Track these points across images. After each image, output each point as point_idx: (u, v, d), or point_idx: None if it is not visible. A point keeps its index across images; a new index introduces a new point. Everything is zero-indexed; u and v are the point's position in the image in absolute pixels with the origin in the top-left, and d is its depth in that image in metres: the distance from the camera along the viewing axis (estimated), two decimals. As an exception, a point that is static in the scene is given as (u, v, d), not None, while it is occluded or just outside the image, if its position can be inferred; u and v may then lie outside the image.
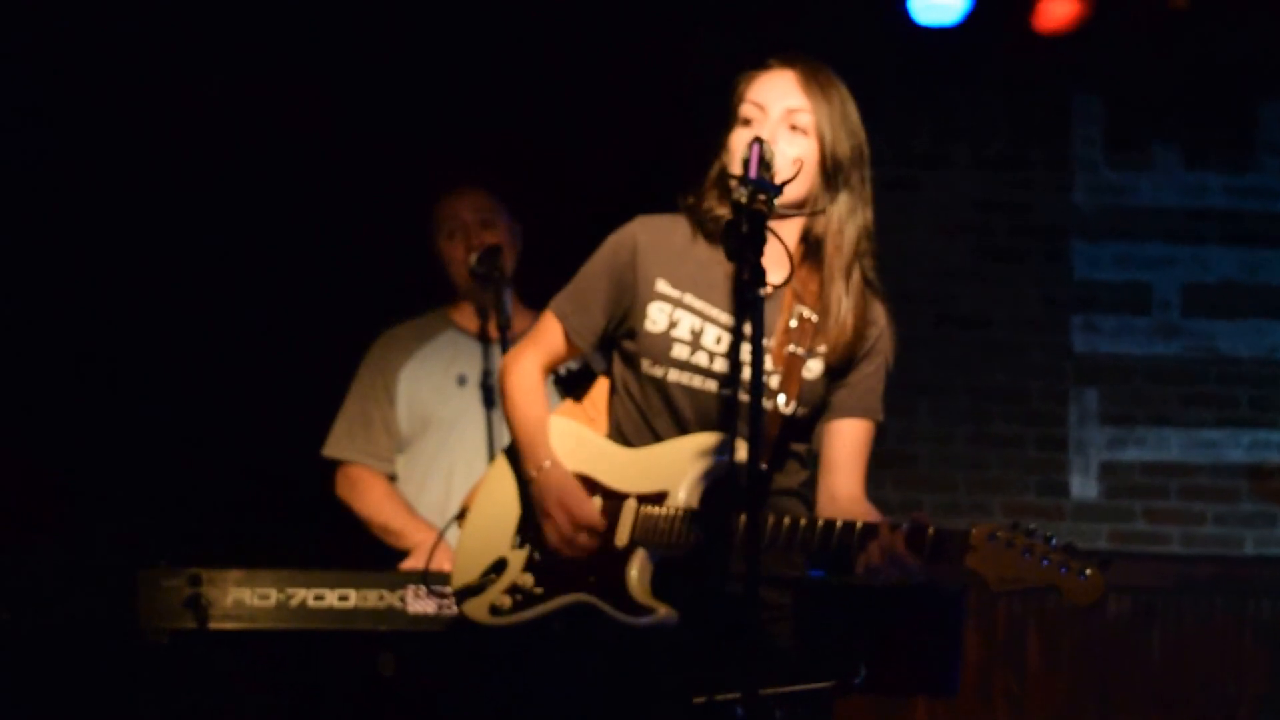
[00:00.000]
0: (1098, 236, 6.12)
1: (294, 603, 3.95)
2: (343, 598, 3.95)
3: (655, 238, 3.31)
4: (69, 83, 5.27)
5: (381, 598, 3.95)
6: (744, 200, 2.88)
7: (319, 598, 3.95)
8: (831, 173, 3.24)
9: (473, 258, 4.43)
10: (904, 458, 6.07)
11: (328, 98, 5.41)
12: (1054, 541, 2.84)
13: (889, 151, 6.06)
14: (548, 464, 3.32)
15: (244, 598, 3.94)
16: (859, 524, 3.00)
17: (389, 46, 5.49)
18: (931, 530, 2.93)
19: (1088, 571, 2.79)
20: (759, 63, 3.32)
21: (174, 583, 3.92)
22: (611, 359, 3.44)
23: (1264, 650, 5.92)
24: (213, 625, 3.92)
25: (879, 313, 3.34)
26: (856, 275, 3.28)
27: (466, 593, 3.39)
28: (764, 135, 3.12)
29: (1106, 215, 6.13)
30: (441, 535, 3.92)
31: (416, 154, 5.34)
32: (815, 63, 3.29)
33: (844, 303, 3.25)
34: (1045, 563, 2.81)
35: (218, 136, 5.35)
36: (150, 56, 5.30)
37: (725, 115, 3.31)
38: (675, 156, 3.51)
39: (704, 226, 3.30)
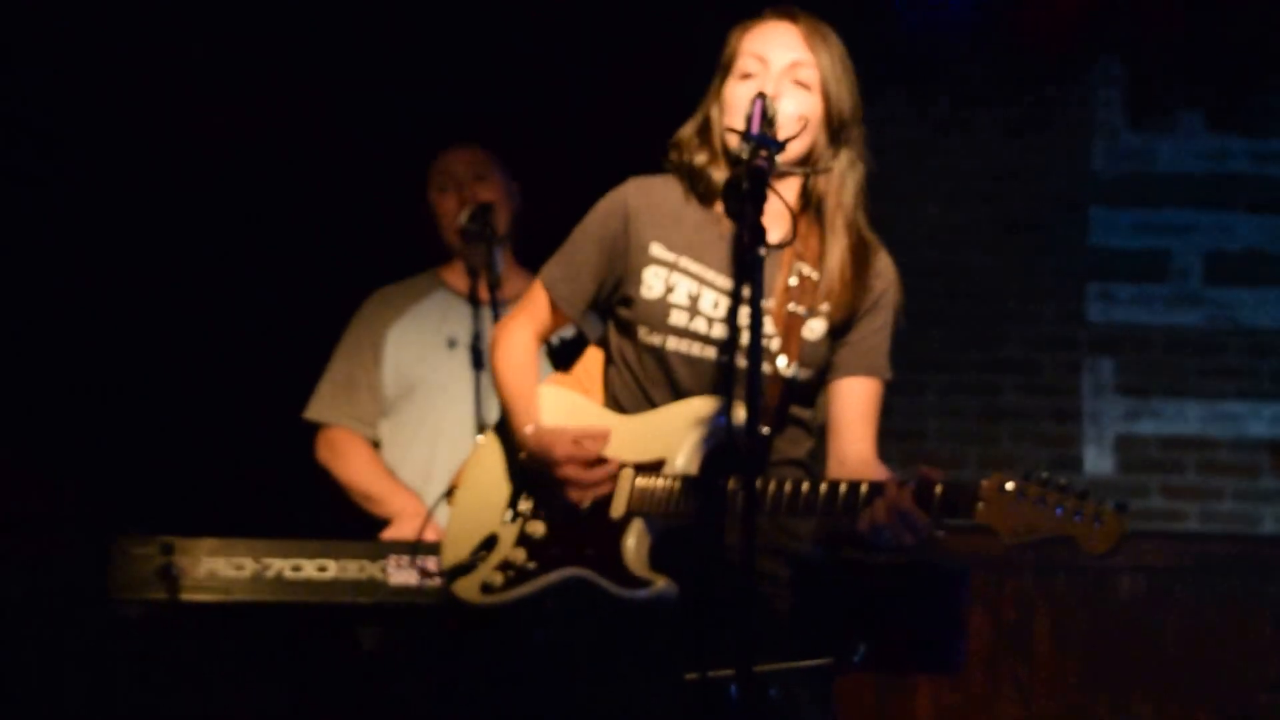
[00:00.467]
0: (1117, 202, 6.10)
1: (270, 574, 3.90)
2: (321, 569, 3.90)
3: (648, 200, 3.28)
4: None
5: (362, 569, 3.90)
6: (745, 157, 2.87)
7: (296, 568, 3.90)
8: (836, 129, 3.23)
9: (463, 215, 4.40)
10: (912, 433, 6.06)
11: (320, 56, 5.38)
12: (1067, 488, 2.79)
13: (906, 115, 6.04)
14: (531, 428, 3.28)
15: (218, 568, 3.89)
16: (864, 484, 2.95)
17: (385, 4, 5.45)
18: (940, 484, 2.88)
19: (1104, 516, 2.73)
20: (754, 14, 3.29)
21: (145, 551, 3.87)
22: (607, 328, 3.40)
23: (1284, 632, 5.94)
24: (185, 596, 3.86)
25: (885, 265, 3.31)
26: (854, 230, 3.26)
27: (457, 572, 3.35)
28: (767, 89, 3.10)
29: (1126, 180, 6.11)
30: (431, 511, 3.90)
31: (411, 113, 5.32)
32: (813, 16, 3.27)
33: (845, 259, 3.23)
34: (1059, 511, 2.75)
35: (203, 95, 5.33)
36: (140, 18, 5.26)
37: (714, 68, 3.28)
38: (676, 114, 3.46)
39: (696, 186, 3.27)
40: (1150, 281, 6.08)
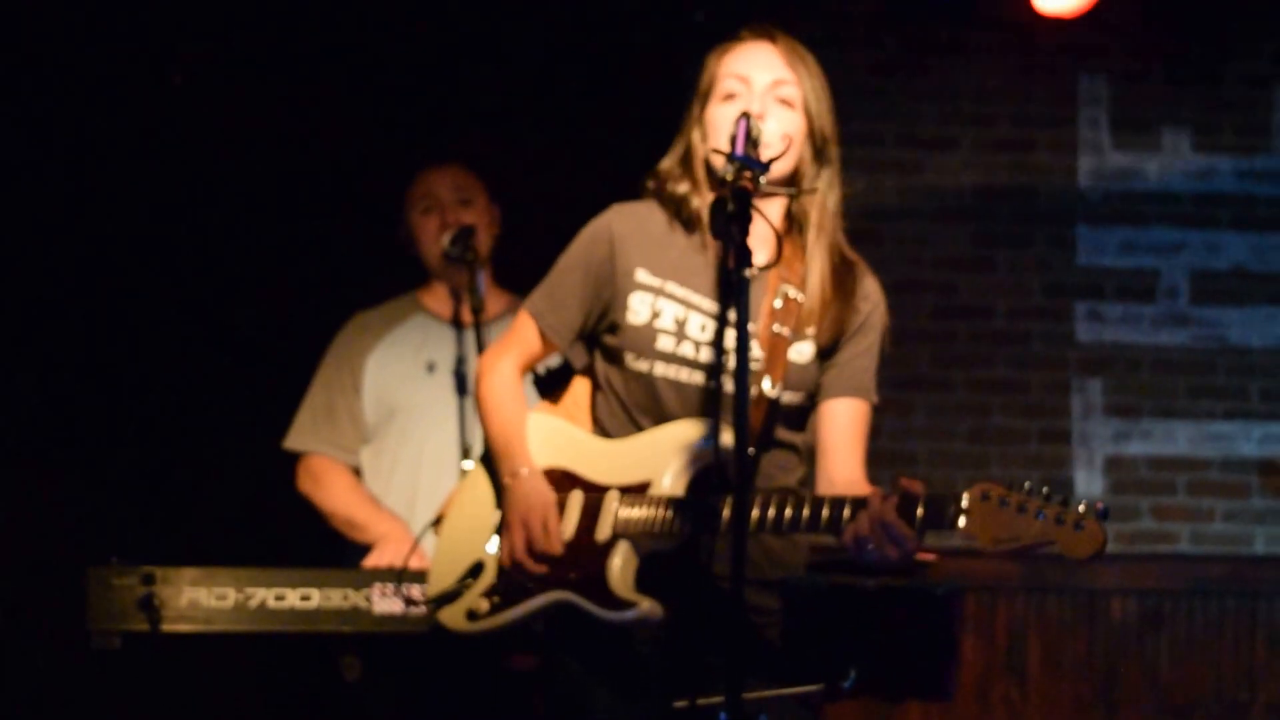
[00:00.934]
0: (1103, 221, 6.08)
1: (253, 603, 3.88)
2: (305, 598, 3.89)
3: (631, 227, 3.28)
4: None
5: (346, 597, 3.89)
6: (730, 178, 2.87)
7: (280, 598, 3.88)
8: (819, 146, 3.23)
9: (446, 238, 4.39)
10: (901, 456, 6.02)
11: (299, 74, 5.35)
12: (1050, 496, 2.81)
13: (892, 134, 6.06)
14: (524, 471, 3.27)
15: (200, 598, 3.86)
16: (848, 501, 2.95)
17: (367, 22, 5.43)
18: (923, 497, 2.88)
19: (1084, 523, 2.74)
20: (731, 36, 3.31)
21: (125, 582, 3.85)
22: (593, 356, 3.39)
23: (1277, 654, 5.90)
24: (166, 627, 3.84)
25: (872, 287, 3.32)
26: (836, 250, 3.26)
27: (443, 600, 3.34)
28: (754, 108, 3.12)
29: (1113, 200, 6.08)
30: (419, 540, 3.90)
31: (390, 132, 5.29)
32: (789, 35, 3.28)
33: (827, 279, 3.23)
34: (1040, 517, 2.77)
35: (179, 121, 5.30)
36: (118, 35, 5.24)
37: (690, 92, 3.29)
38: (656, 133, 3.45)
39: (680, 213, 3.26)
40: (1138, 301, 6.06)
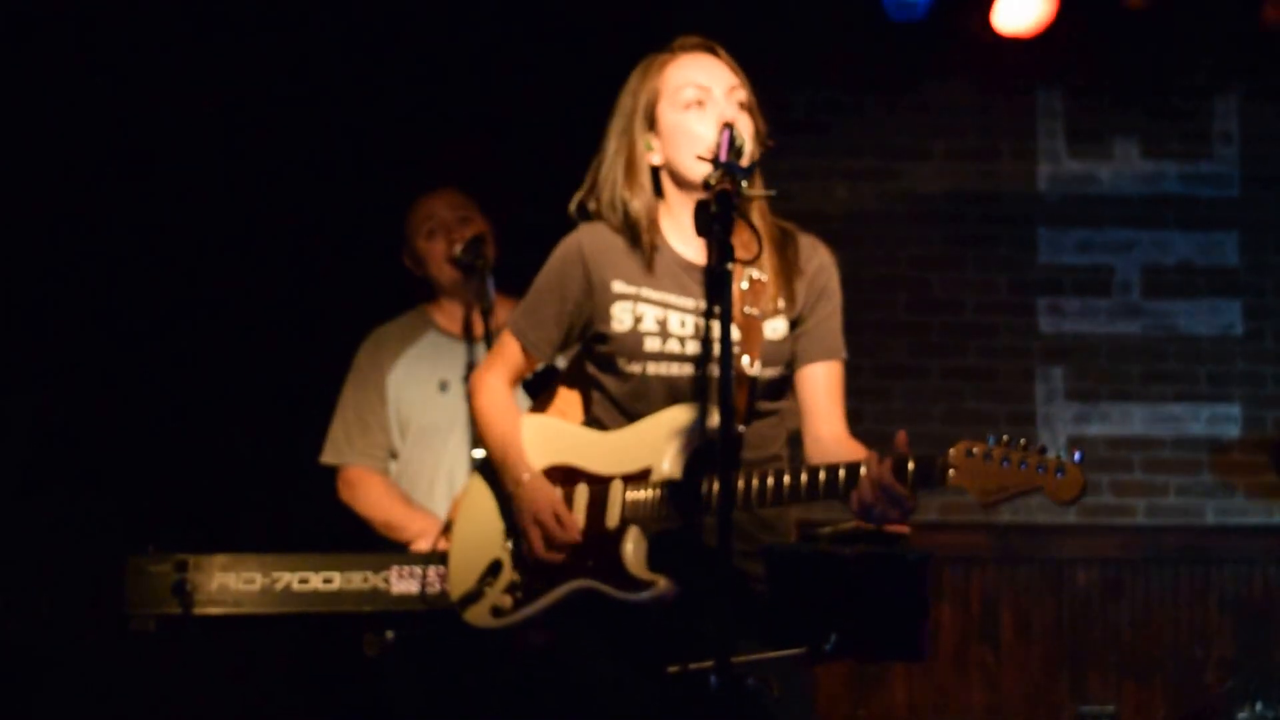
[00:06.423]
0: (1062, 223, 6.05)
1: (279, 586, 3.80)
2: (327, 580, 3.81)
3: (600, 244, 3.17)
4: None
5: (365, 579, 3.81)
6: (714, 182, 2.78)
7: (303, 581, 3.81)
8: (760, 143, 3.12)
9: (457, 248, 4.25)
10: (882, 438, 5.88)
11: (297, 99, 5.26)
12: (1029, 446, 2.72)
13: (870, 145, 6.03)
14: (526, 476, 3.17)
15: (229, 582, 3.79)
16: (841, 468, 2.87)
17: (359, 53, 5.33)
18: (912, 458, 2.81)
19: (1065, 468, 2.68)
20: (663, 50, 3.19)
21: (161, 568, 3.77)
22: (583, 364, 3.29)
23: (1228, 615, 5.85)
24: (198, 610, 3.77)
25: (818, 251, 3.21)
26: (770, 226, 3.16)
27: (467, 601, 3.25)
28: (726, 116, 3.01)
29: (1070, 203, 6.05)
30: (446, 529, 3.77)
31: (386, 156, 5.19)
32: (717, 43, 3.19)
33: (772, 252, 3.13)
34: (1024, 467, 2.70)
35: (199, 142, 5.24)
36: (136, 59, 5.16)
37: (614, 106, 3.17)
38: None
39: (632, 224, 3.14)
40: (1095, 295, 6.02)
